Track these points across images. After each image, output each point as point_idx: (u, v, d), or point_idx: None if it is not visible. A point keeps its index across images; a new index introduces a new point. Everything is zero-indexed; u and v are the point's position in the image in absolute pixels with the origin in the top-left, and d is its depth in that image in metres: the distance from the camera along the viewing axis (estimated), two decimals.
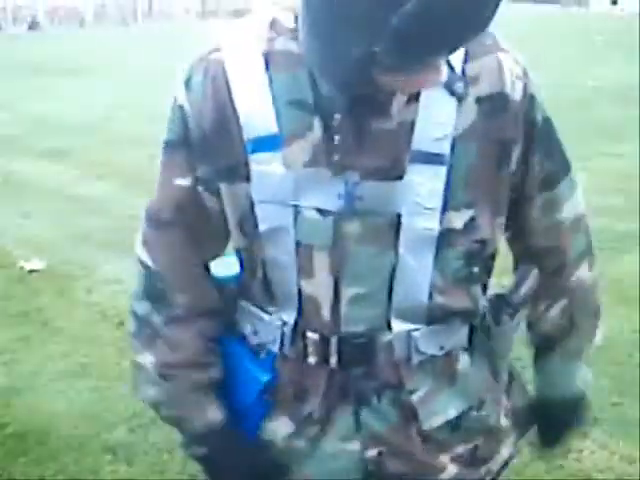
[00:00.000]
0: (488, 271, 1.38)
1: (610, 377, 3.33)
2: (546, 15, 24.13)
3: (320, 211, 1.25)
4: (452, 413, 1.36)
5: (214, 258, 1.41)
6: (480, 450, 1.40)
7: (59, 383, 3.50)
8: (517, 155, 1.30)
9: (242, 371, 1.38)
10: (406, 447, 1.36)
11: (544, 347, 1.50)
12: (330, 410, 1.34)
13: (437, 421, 1.35)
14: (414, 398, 1.33)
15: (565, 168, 1.38)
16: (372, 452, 1.35)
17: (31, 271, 4.79)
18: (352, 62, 1.06)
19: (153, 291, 1.36)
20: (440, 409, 1.35)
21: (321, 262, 1.27)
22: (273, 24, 1.26)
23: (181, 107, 1.31)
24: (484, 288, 1.39)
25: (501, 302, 1.40)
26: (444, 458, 1.37)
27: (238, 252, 1.38)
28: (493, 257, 1.37)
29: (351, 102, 1.19)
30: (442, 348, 1.33)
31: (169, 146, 1.34)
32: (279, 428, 1.38)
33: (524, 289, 1.40)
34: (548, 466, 2.83)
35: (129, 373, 3.53)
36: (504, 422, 1.43)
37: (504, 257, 1.42)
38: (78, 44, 17.69)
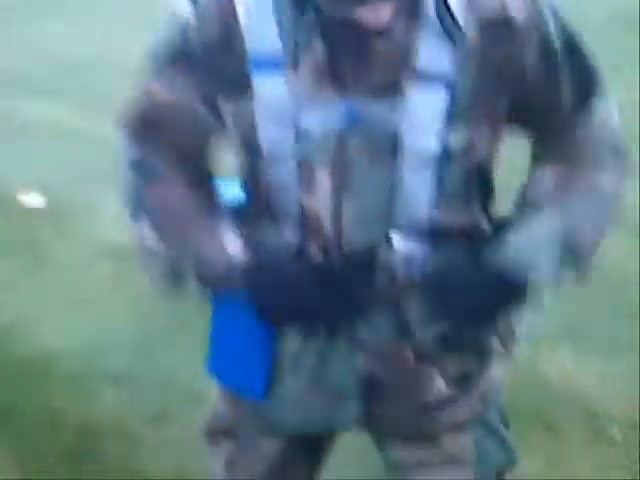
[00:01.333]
0: (488, 191, 1.40)
1: None
2: None
3: (322, 129, 1.26)
4: (445, 325, 1.37)
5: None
6: (470, 370, 1.42)
7: (59, 316, 3.52)
8: (528, 74, 1.28)
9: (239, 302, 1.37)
10: (397, 361, 1.38)
11: (519, 212, 1.40)
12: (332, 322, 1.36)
13: (430, 333, 1.37)
14: (408, 309, 1.35)
15: (596, 86, 1.35)
16: (362, 363, 1.38)
17: (30, 207, 4.78)
18: None
19: (135, 158, 1.40)
20: (434, 322, 1.36)
21: (322, 178, 1.29)
22: None
23: (182, 21, 1.31)
24: (485, 209, 1.40)
25: (505, 224, 1.40)
26: (434, 372, 1.39)
27: (243, 179, 1.40)
28: (491, 176, 1.39)
29: (349, 21, 1.19)
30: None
31: (158, 52, 1.35)
32: (287, 344, 1.39)
33: (539, 190, 1.39)
34: None
35: (128, 306, 3.59)
36: (495, 343, 1.44)
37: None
38: None
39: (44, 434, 2.74)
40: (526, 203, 1.39)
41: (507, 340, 1.47)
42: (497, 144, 1.35)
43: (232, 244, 1.35)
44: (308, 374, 1.40)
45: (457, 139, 1.28)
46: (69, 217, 4.67)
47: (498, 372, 1.48)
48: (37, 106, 7.32)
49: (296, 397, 1.42)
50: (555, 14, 1.29)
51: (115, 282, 3.79)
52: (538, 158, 1.41)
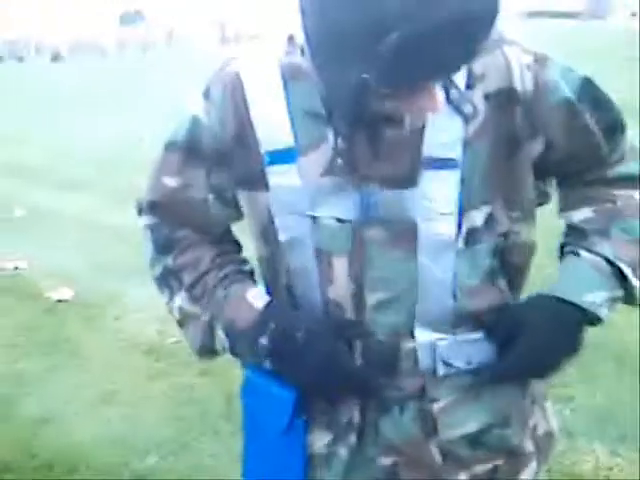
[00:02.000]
0: (517, 270, 1.37)
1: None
2: (566, 30, 24.04)
3: (338, 219, 1.27)
4: (473, 427, 1.35)
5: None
6: (500, 472, 1.38)
7: (88, 412, 3.51)
8: (550, 139, 1.28)
9: (269, 398, 1.37)
10: (423, 460, 1.35)
11: (566, 248, 1.38)
12: (362, 418, 1.35)
13: (456, 433, 1.34)
14: (435, 407, 1.33)
15: (620, 124, 1.36)
16: (386, 461, 1.36)
17: (59, 301, 4.82)
18: (347, 89, 1.10)
19: (160, 241, 1.44)
20: (461, 421, 1.34)
21: (340, 268, 1.29)
22: (290, 39, 1.29)
23: (195, 117, 1.36)
24: (514, 290, 1.38)
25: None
26: (462, 476, 1.36)
27: (263, 271, 1.41)
28: (523, 254, 1.36)
29: (363, 114, 1.19)
30: (469, 363, 1.33)
31: (169, 146, 1.40)
32: (316, 440, 1.38)
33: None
34: None
35: (158, 400, 3.57)
36: (528, 445, 1.40)
37: None
38: (100, 75, 17.81)
39: None
40: (570, 237, 1.38)
41: (543, 441, 1.43)
42: (517, 216, 1.32)
43: (258, 301, 1.35)
44: (338, 475, 1.39)
45: (476, 219, 1.27)
46: (97, 310, 4.69)
47: (528, 475, 1.43)
48: (64, 200, 7.43)
49: None
50: (565, 75, 1.29)
51: (145, 376, 3.79)
52: (570, 201, 1.39)
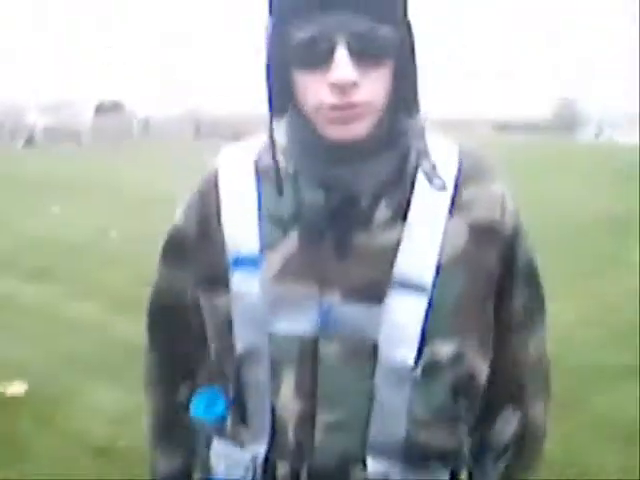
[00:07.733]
0: (475, 409, 1.31)
1: None
2: (534, 145, 24.59)
3: (294, 333, 1.22)
4: None
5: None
6: None
7: None
8: (499, 289, 1.26)
9: None
10: None
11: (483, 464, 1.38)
12: None
13: None
14: None
15: (542, 309, 1.35)
16: None
17: (11, 396, 4.69)
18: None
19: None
20: None
21: (287, 381, 1.23)
22: (270, 137, 1.25)
23: (176, 219, 1.37)
24: (470, 429, 1.32)
25: (484, 444, 1.35)
26: None
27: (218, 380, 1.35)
28: (480, 388, 1.30)
29: (331, 212, 1.19)
30: None
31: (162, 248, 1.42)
32: None
33: (508, 433, 1.34)
34: None
35: None
36: None
37: None
38: (73, 162, 17.85)
39: None
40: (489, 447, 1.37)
41: None
42: (487, 356, 1.27)
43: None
44: None
45: (442, 350, 1.20)
46: (49, 405, 4.56)
47: None
48: (26, 289, 7.33)
49: None
50: (525, 236, 1.29)
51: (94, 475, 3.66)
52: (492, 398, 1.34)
